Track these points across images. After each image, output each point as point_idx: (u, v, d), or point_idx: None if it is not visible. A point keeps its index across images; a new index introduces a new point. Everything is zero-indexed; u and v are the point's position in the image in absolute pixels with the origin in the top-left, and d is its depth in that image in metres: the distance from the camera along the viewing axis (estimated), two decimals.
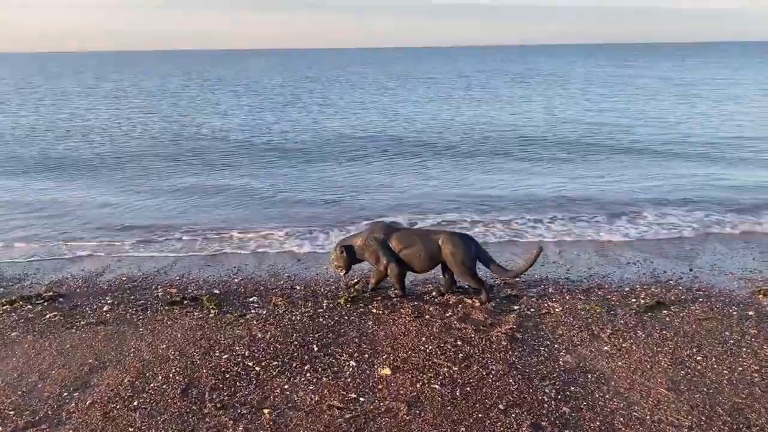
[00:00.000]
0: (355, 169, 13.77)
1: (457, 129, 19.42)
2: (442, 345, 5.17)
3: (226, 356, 5.02)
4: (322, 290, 6.56)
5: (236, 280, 6.98)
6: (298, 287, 6.71)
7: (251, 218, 9.85)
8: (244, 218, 9.84)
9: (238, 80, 48.97)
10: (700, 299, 6.22)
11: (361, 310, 5.99)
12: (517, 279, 6.52)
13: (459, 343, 5.21)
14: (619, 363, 4.86)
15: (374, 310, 5.98)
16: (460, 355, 4.99)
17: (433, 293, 6.37)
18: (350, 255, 6.32)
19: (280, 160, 14.97)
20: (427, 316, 5.81)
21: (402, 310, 5.96)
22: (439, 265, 6.20)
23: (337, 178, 12.93)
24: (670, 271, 7.10)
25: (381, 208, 10.29)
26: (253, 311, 6.02)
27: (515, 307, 6.02)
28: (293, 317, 5.81)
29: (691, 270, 7.16)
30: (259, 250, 8.17)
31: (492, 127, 19.64)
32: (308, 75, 55.65)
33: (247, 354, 5.05)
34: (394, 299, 6.23)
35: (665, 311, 5.91)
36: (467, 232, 6.37)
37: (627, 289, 6.55)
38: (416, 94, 33.18)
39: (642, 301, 6.15)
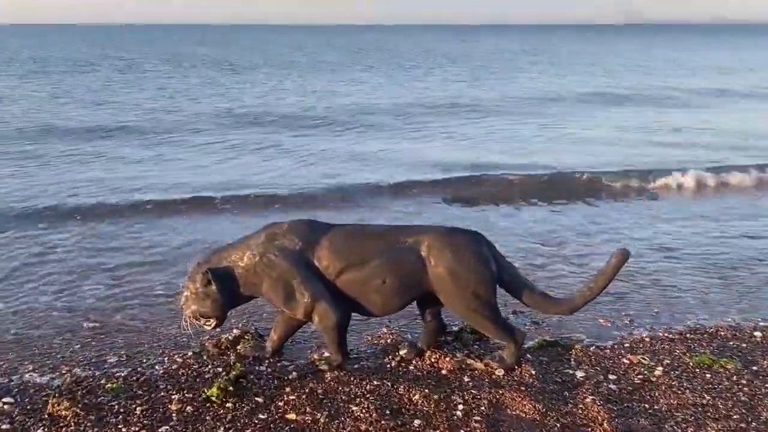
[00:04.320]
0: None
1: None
2: None
3: None
4: (169, 364, 3.08)
5: None
6: (114, 359, 3.18)
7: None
8: None
9: None
10: None
11: (262, 416, 2.62)
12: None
13: None
14: None
15: (290, 415, 2.64)
16: None
17: (402, 352, 3.14)
18: (226, 288, 2.91)
19: None
20: (416, 423, 2.57)
21: (354, 405, 2.67)
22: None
23: None
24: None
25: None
26: None
27: (576, 374, 2.97)
28: None
29: None
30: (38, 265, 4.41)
31: None
32: None
33: None
34: (328, 378, 2.92)
35: None
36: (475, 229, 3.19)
37: (732, 312, 3.79)
38: None
39: None
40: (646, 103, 14.88)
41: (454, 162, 8.26)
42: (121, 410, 2.67)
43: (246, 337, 3.29)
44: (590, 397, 2.76)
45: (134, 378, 2.94)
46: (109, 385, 2.86)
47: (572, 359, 3.13)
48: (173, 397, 2.76)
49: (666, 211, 6.15)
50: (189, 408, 2.68)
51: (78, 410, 2.65)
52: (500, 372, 2.97)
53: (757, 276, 4.41)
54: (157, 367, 3.07)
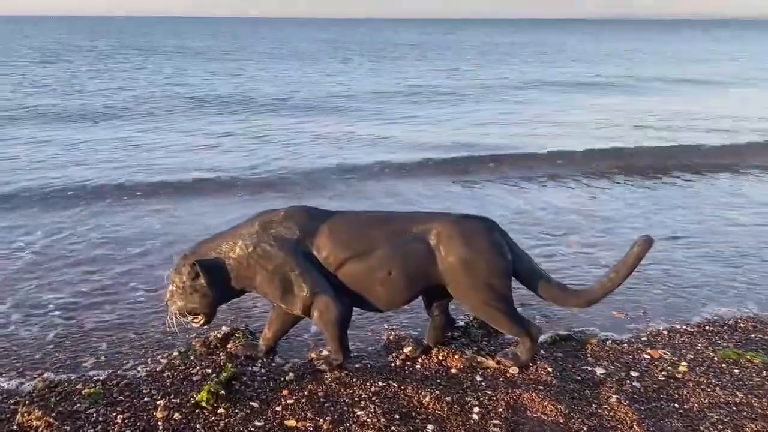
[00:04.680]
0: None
1: None
2: None
3: None
4: (153, 366, 2.81)
5: None
6: (91, 360, 2.90)
7: None
8: None
9: None
10: None
11: (258, 423, 2.37)
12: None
13: None
14: None
15: (290, 421, 2.39)
16: None
17: (406, 350, 2.91)
18: (215, 282, 2.64)
19: None
20: (429, 428, 2.34)
21: (359, 409, 2.43)
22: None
23: None
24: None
25: None
26: None
27: (596, 371, 2.76)
28: None
29: None
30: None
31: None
32: None
33: None
34: (329, 378, 2.67)
35: None
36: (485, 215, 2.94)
37: (749, 302, 3.62)
38: None
39: None
40: (638, 92, 14.81)
41: (446, 145, 8.12)
42: (100, 419, 2.40)
43: (236, 334, 3.03)
44: (614, 396, 2.55)
45: (114, 382, 2.66)
46: (86, 390, 2.58)
47: (589, 355, 2.92)
48: (158, 403, 2.49)
49: (668, 199, 5.97)
50: (176, 415, 2.41)
51: (51, 420, 2.37)
52: (514, 370, 2.74)
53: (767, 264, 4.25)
54: (139, 369, 2.80)
